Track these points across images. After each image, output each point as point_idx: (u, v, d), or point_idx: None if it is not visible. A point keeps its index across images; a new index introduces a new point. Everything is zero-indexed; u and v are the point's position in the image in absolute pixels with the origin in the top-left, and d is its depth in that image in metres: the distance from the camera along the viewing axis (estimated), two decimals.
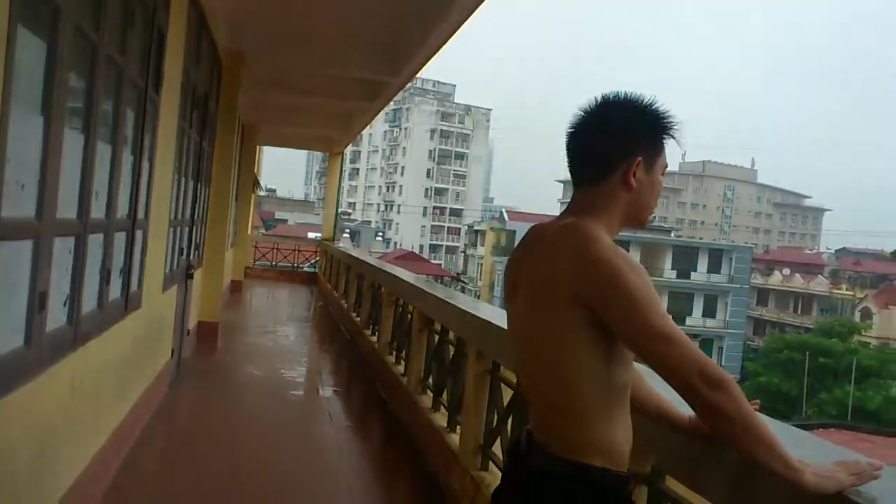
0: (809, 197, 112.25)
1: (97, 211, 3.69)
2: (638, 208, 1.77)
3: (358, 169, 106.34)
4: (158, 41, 4.87)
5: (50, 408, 3.13)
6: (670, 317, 1.59)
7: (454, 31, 7.39)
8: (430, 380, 5.82)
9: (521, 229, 57.28)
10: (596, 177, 1.76)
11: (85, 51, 3.33)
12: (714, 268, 50.99)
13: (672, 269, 50.55)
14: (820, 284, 60.36)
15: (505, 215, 67.19)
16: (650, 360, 1.56)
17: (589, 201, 1.75)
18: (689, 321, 49.88)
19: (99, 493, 4.04)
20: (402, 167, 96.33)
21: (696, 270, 50.75)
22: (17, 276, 2.70)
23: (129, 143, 4.34)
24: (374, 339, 8.60)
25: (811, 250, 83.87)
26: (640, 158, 1.73)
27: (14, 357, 2.64)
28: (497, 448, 3.95)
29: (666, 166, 1.82)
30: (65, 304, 3.29)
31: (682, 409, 1.90)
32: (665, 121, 1.77)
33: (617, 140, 1.75)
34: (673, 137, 1.79)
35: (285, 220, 66.54)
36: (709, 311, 50.49)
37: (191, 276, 7.51)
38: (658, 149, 1.78)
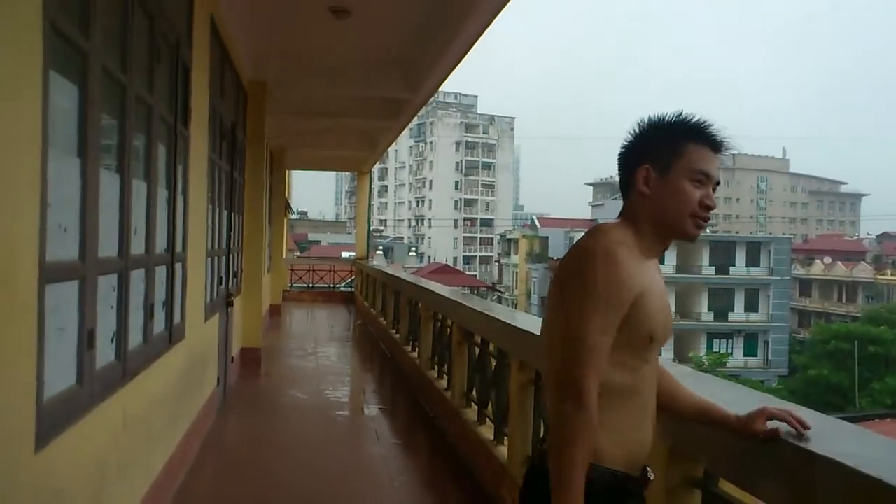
0: (845, 183, 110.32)
1: (137, 247, 3.77)
2: (661, 213, 1.80)
3: (386, 186, 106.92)
4: (184, 76, 4.96)
5: (104, 443, 3.19)
6: (601, 329, 1.68)
7: (472, 45, 7.42)
8: (474, 393, 5.81)
9: (554, 235, 57.31)
10: (624, 190, 1.88)
11: (115, 91, 3.41)
12: (753, 261, 50.24)
13: (710, 265, 49.92)
14: (863, 271, 59.10)
15: (536, 222, 67.10)
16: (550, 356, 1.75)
17: (622, 211, 1.88)
18: (731, 317, 49.23)
19: None
20: (430, 181, 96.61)
21: (734, 265, 50.05)
22: (66, 316, 2.76)
23: (162, 178, 4.42)
24: (415, 354, 8.62)
25: (851, 237, 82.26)
26: (646, 166, 1.80)
27: (67, 395, 2.70)
28: None
29: (699, 170, 1.80)
30: (112, 341, 3.35)
31: (729, 409, 1.90)
32: (681, 125, 1.82)
33: (630, 152, 1.86)
34: (696, 139, 1.81)
35: (318, 242, 67.07)
36: (751, 306, 49.73)
37: (231, 304, 7.61)
38: (672, 153, 1.80)
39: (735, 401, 2.06)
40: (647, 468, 1.85)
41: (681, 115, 1.84)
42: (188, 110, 5.08)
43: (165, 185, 4.50)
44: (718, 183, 1.85)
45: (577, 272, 1.72)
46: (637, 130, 1.86)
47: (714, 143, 1.82)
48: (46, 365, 2.43)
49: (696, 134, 1.82)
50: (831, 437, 1.82)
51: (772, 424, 1.85)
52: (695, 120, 1.83)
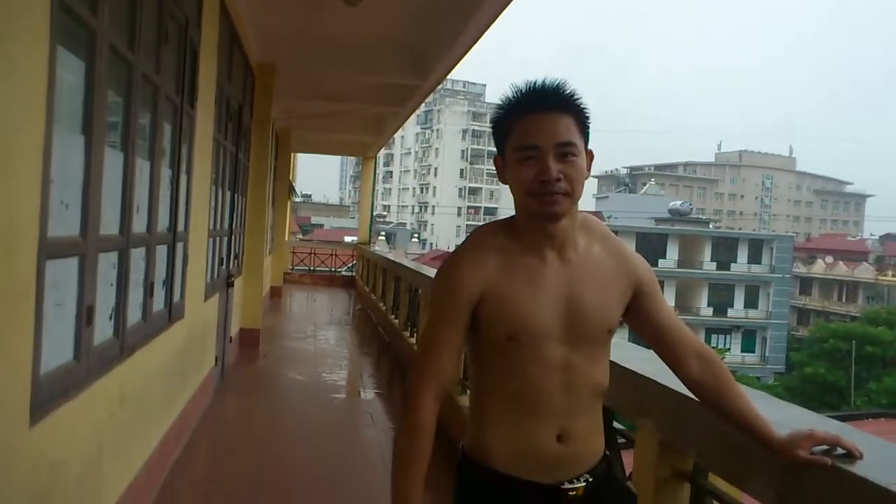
0: (851, 183, 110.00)
1: (139, 225, 3.78)
2: (516, 201, 1.72)
3: (391, 172, 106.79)
4: (192, 57, 4.96)
5: (101, 418, 3.21)
6: (439, 340, 1.71)
7: (483, 33, 7.40)
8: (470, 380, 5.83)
9: None
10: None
11: (121, 70, 3.42)
12: (754, 258, 50.22)
13: (711, 260, 49.93)
14: (865, 271, 59.06)
15: None
16: None
17: None
18: (730, 313, 49.28)
19: (149, 500, 4.13)
20: (435, 168, 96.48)
21: (735, 261, 50.06)
22: (65, 292, 2.78)
23: (166, 157, 4.43)
24: (413, 340, 8.64)
25: (854, 237, 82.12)
26: (499, 157, 1.74)
27: (64, 371, 2.72)
28: None
29: (523, 146, 1.64)
30: (110, 318, 3.37)
31: (775, 427, 1.73)
32: (506, 104, 1.70)
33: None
34: (518, 112, 1.67)
35: (321, 225, 67.09)
36: (750, 303, 49.76)
37: (231, 285, 7.63)
38: (504, 138, 1.70)
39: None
40: (569, 481, 1.72)
41: (513, 89, 1.69)
42: (195, 91, 5.08)
43: (169, 165, 4.51)
44: (567, 144, 1.63)
45: (432, 285, 1.78)
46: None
47: (537, 104, 1.65)
48: (44, 340, 2.45)
49: (517, 107, 1.68)
50: None
51: (818, 450, 1.66)
52: (519, 90, 1.68)
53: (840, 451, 1.65)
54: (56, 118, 2.46)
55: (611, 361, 1.79)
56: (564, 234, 1.71)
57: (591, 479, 1.74)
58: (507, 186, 1.72)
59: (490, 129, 1.78)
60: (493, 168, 1.78)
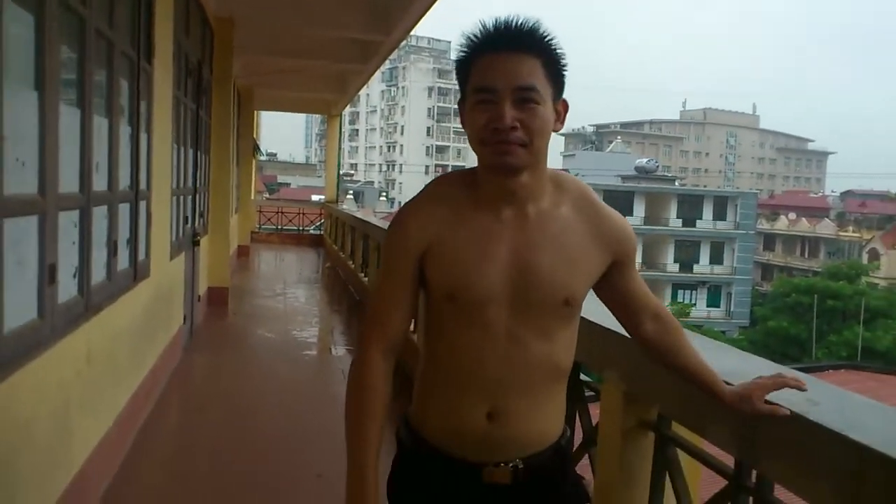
0: (812, 140, 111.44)
1: (99, 184, 3.71)
2: (473, 149, 1.54)
3: (357, 130, 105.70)
4: (147, 11, 4.83)
5: (67, 376, 3.19)
6: (385, 294, 1.61)
7: None
8: None
9: None
10: None
11: (73, 24, 3.32)
12: (719, 215, 50.83)
13: (677, 217, 50.42)
14: (826, 227, 60.18)
15: None
16: None
17: None
18: (696, 269, 49.98)
19: (118, 458, 4.13)
20: (402, 126, 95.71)
21: (701, 218, 50.61)
22: (26, 251, 2.73)
23: (125, 115, 4.33)
24: None
25: (816, 194, 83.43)
26: (461, 100, 1.56)
27: (29, 328, 2.69)
28: None
29: (479, 88, 1.48)
30: (74, 276, 3.33)
31: (726, 380, 1.74)
32: (466, 42, 1.51)
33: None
34: (477, 51, 1.49)
35: (288, 184, 66.42)
36: (716, 259, 50.48)
37: (197, 244, 7.55)
38: (464, 79, 1.53)
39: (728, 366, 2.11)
40: (494, 464, 1.56)
41: (478, 25, 1.50)
42: (151, 46, 4.96)
43: (128, 122, 4.42)
44: (528, 88, 1.44)
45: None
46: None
47: (501, 43, 1.46)
48: (6, 298, 2.42)
49: (479, 45, 1.49)
50: None
51: (771, 398, 1.65)
52: (483, 26, 1.49)
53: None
54: (5, 74, 2.39)
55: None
56: (525, 190, 1.53)
57: (521, 467, 1.56)
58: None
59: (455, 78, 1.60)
60: (461, 126, 1.60)
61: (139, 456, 4.33)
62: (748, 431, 1.81)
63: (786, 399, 1.69)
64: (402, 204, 1.65)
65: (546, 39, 1.47)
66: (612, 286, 1.67)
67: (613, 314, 1.76)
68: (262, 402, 5.77)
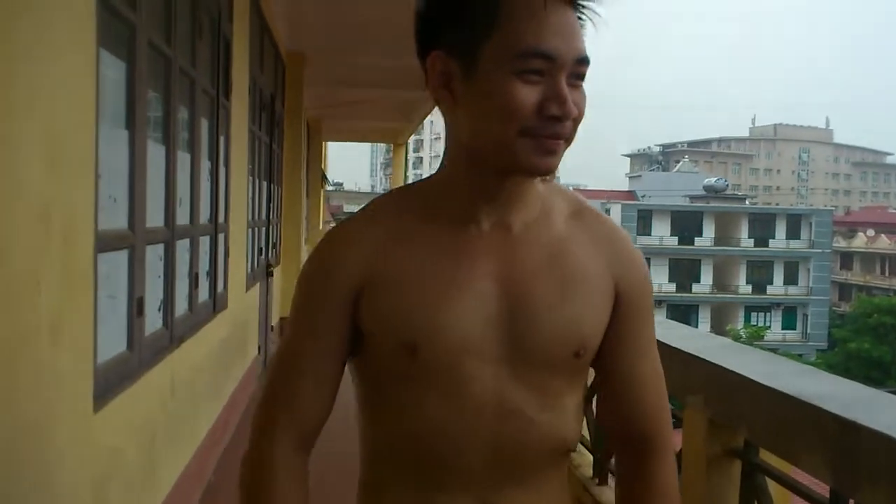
0: (891, 154, 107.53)
1: (182, 217, 3.85)
2: (472, 135, 1.05)
3: (422, 157, 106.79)
4: (225, 49, 5.01)
5: (154, 407, 3.29)
6: (299, 351, 1.14)
7: None
8: None
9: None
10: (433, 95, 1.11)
11: (160, 64, 3.47)
12: (793, 234, 49.41)
13: (749, 237, 49.21)
14: None
15: None
16: None
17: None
18: (769, 290, 48.61)
19: (200, 488, 4.22)
20: None
21: (774, 237, 49.29)
22: (116, 284, 2.85)
23: (205, 149, 4.49)
24: None
25: None
26: (439, 52, 1.04)
27: (119, 360, 2.80)
28: (584, 429, 3.95)
29: (531, 51, 0.98)
30: (159, 309, 3.45)
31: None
32: None
33: (420, 26, 1.10)
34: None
35: (353, 213, 67.26)
36: (790, 279, 49.00)
37: (271, 274, 7.73)
38: (474, 17, 1.00)
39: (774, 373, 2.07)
40: None
41: None
42: (229, 82, 5.14)
43: (208, 157, 4.58)
44: (584, 61, 1.01)
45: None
46: None
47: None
48: (100, 330, 2.52)
49: None
50: (875, 408, 1.82)
51: (868, 422, 1.43)
52: None
53: None
54: (102, 114, 2.51)
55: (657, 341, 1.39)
56: (514, 192, 1.08)
57: None
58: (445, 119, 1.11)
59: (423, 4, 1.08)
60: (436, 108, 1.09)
61: (220, 484, 4.41)
62: (846, 460, 1.75)
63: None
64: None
65: None
66: (600, 353, 1.14)
67: (599, 408, 1.24)
68: (334, 429, 5.81)
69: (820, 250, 49.05)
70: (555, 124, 0.99)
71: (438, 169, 1.13)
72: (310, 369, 1.12)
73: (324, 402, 1.14)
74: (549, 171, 1.03)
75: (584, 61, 1.01)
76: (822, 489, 1.93)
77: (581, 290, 1.09)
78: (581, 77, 1.02)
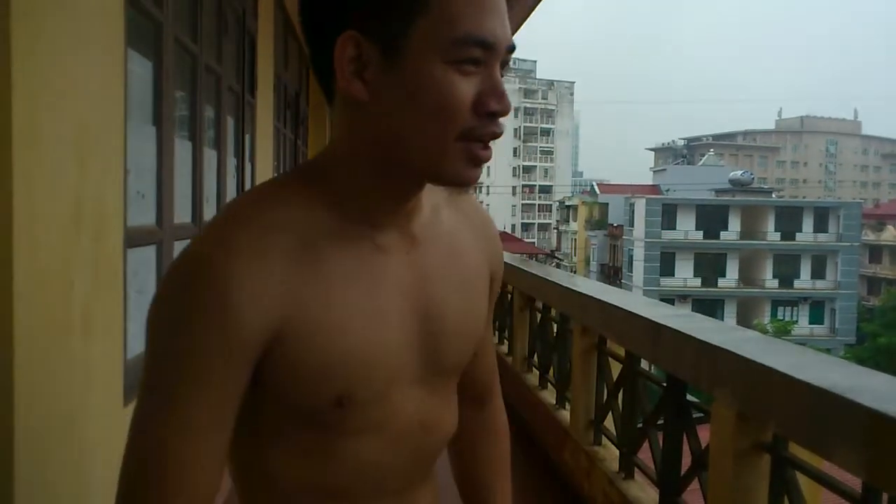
0: None
1: (209, 213, 3.88)
2: (390, 138, 0.89)
3: None
4: (251, 46, 5.04)
5: None
6: (190, 415, 0.85)
7: (532, 9, 7.32)
8: (535, 358, 5.85)
9: (614, 202, 56.66)
10: (320, 80, 0.93)
11: (186, 61, 3.50)
12: (820, 227, 48.78)
13: (775, 230, 48.68)
14: None
15: (596, 188, 66.33)
16: None
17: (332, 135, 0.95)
18: (797, 284, 48.09)
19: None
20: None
21: (801, 231, 48.70)
22: (146, 280, 2.88)
23: (231, 146, 4.53)
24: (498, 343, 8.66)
25: None
26: (352, 32, 0.85)
27: None
28: (609, 423, 3.95)
29: (462, 42, 0.84)
30: None
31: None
32: None
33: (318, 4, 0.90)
34: None
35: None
36: (818, 273, 48.42)
37: None
38: (406, 9, 0.84)
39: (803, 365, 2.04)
40: None
41: None
42: (255, 80, 5.17)
43: (234, 154, 4.62)
44: (512, 49, 0.89)
45: (153, 314, 0.93)
46: None
47: None
48: (129, 325, 2.55)
49: None
50: None
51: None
52: None
53: None
54: (130, 111, 2.54)
55: (681, 333, 1.34)
56: (418, 199, 0.97)
57: None
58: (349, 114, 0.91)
59: None
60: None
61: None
62: (880, 453, 1.72)
63: None
64: (191, 252, 0.89)
65: None
66: None
67: None
68: None
69: (848, 243, 48.38)
70: (492, 122, 0.89)
71: (323, 161, 0.95)
72: (200, 448, 0.85)
73: (216, 480, 0.89)
74: (474, 184, 0.91)
75: (512, 49, 0.90)
76: (853, 483, 1.91)
77: (474, 288, 1.05)
78: (505, 66, 0.91)
